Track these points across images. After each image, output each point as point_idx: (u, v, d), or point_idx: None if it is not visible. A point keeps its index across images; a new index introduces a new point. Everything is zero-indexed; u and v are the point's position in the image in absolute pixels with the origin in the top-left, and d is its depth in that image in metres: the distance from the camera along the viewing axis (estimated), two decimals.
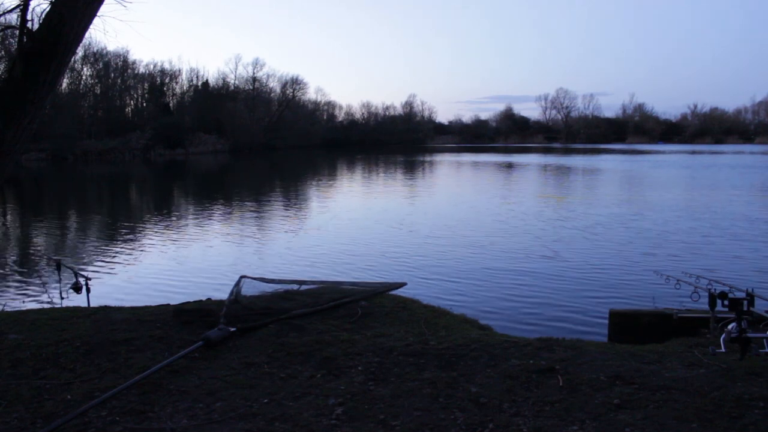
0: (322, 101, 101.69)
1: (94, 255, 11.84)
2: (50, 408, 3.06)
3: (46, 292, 8.49)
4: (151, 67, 77.29)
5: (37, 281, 9.48)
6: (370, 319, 4.60)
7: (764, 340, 3.33)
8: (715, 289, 4.10)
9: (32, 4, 3.56)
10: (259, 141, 76.67)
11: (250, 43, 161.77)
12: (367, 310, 4.82)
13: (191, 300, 5.56)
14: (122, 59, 70.37)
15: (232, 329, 4.18)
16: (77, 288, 5.94)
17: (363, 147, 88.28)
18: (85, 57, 64.53)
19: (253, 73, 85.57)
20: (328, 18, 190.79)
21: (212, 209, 19.51)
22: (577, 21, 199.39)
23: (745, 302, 3.36)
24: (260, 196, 24.81)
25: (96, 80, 68.11)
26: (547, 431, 2.75)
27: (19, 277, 9.95)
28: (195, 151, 67.94)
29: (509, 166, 44.84)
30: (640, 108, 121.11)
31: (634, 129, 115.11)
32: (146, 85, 76.15)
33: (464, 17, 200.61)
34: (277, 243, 12.96)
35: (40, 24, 3.60)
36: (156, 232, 14.71)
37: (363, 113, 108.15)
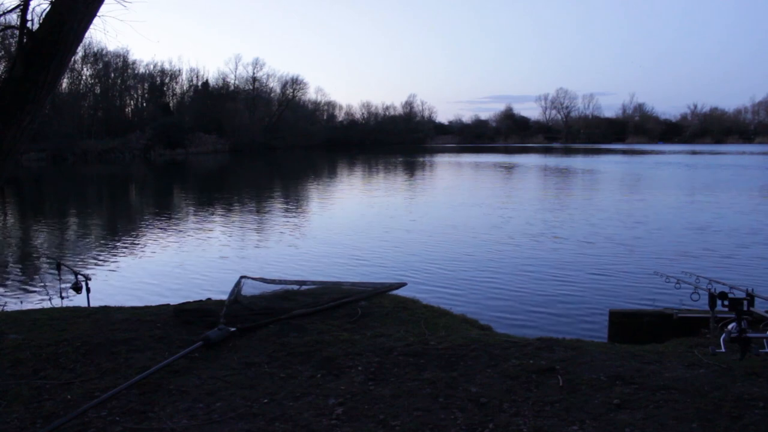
0: (322, 101, 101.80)
1: (94, 255, 11.84)
2: (50, 408, 3.05)
3: (46, 292, 8.49)
4: (151, 67, 77.39)
5: (37, 281, 9.48)
6: (370, 319, 4.60)
7: (764, 340, 3.32)
8: (715, 289, 4.10)
9: (32, 4, 3.57)
10: (259, 141, 76.62)
11: (250, 43, 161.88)
12: (367, 310, 4.82)
13: (191, 300, 5.56)
14: (122, 59, 70.39)
15: (232, 329, 4.18)
16: (77, 288, 5.94)
17: (363, 147, 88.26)
18: (85, 57, 64.50)
19: (253, 73, 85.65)
20: (327, 18, 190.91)
21: (212, 209, 19.51)
22: (577, 21, 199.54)
23: (745, 302, 3.36)
24: (260, 196, 24.82)
25: (96, 80, 68.04)
26: (547, 431, 2.76)
27: (19, 277, 9.95)
28: (195, 151, 67.89)
29: (509, 166, 44.84)
30: (640, 108, 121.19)
31: (634, 129, 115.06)
32: (146, 85, 76.11)
33: (464, 17, 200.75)
34: (277, 243, 12.96)
35: (40, 24, 3.60)
36: (156, 232, 14.71)
37: (363, 113, 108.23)
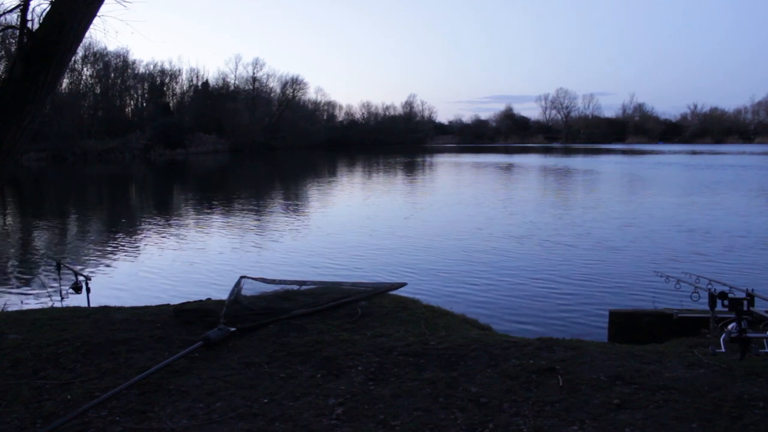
0: (322, 101, 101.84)
1: (94, 255, 11.84)
2: (50, 408, 3.05)
3: (46, 292, 8.49)
4: (151, 67, 77.42)
5: (37, 281, 9.48)
6: (370, 319, 4.60)
7: (764, 340, 3.32)
8: (715, 289, 4.10)
9: (32, 4, 3.57)
10: (259, 141, 76.61)
11: (250, 43, 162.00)
12: (367, 310, 4.82)
13: (191, 300, 5.56)
14: (122, 59, 70.39)
15: (232, 329, 4.18)
16: (77, 288, 5.94)
17: (363, 147, 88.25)
18: (85, 57, 64.50)
19: (253, 73, 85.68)
20: (327, 18, 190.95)
21: (212, 209, 19.51)
22: (577, 20, 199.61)
23: (745, 302, 3.35)
24: (260, 196, 24.81)
25: (96, 80, 68.04)
26: (547, 431, 2.75)
27: (19, 277, 9.95)
28: (195, 151, 67.88)
29: (509, 167, 44.85)
30: (640, 108, 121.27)
31: (634, 129, 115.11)
32: (146, 85, 76.11)
33: (464, 17, 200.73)
34: (277, 243, 12.96)
35: (40, 24, 3.60)
36: (156, 232, 14.71)
37: (363, 113, 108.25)
